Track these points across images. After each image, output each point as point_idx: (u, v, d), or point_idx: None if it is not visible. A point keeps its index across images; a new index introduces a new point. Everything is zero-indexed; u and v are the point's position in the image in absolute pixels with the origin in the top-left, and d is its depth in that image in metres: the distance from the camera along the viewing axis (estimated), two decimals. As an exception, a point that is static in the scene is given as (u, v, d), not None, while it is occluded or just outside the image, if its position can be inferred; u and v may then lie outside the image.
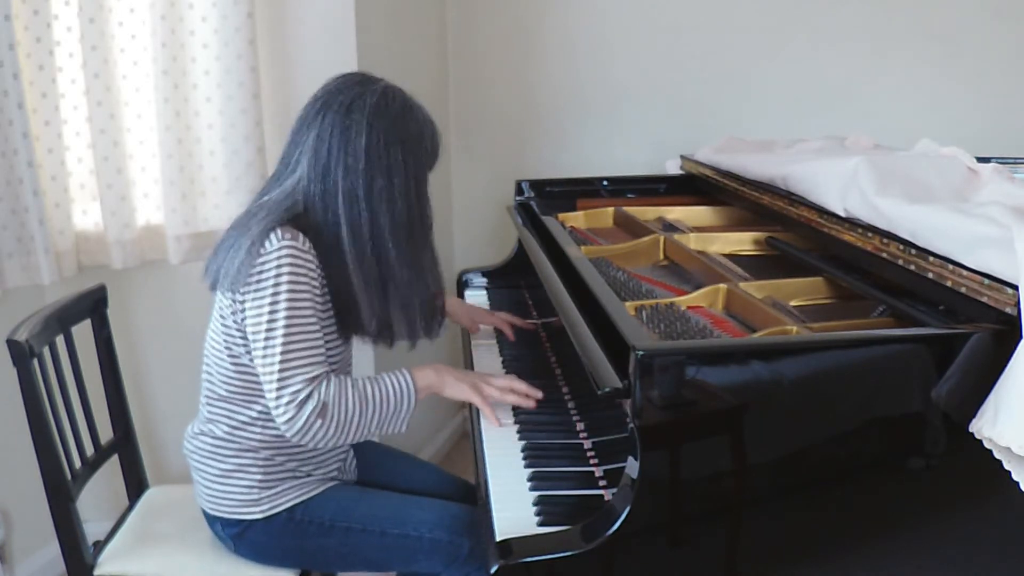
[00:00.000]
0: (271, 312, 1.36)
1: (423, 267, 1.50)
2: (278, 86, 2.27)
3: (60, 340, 1.66)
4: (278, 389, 1.36)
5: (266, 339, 1.36)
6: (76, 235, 2.15)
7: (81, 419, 1.69)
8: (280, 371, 1.36)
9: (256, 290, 1.37)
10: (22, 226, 1.98)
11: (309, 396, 1.36)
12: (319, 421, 1.37)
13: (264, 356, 1.37)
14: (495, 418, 1.51)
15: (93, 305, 1.77)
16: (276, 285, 1.36)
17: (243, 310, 1.40)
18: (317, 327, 1.40)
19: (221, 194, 2.24)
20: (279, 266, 1.35)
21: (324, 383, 1.38)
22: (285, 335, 1.36)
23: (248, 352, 1.45)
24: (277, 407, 1.37)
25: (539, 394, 1.52)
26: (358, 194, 1.41)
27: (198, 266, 2.22)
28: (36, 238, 1.99)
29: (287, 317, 1.36)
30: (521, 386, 1.52)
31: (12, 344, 1.49)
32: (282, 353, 1.36)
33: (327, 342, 1.45)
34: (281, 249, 1.35)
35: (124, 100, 2.15)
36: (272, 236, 1.36)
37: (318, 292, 1.42)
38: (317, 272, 1.41)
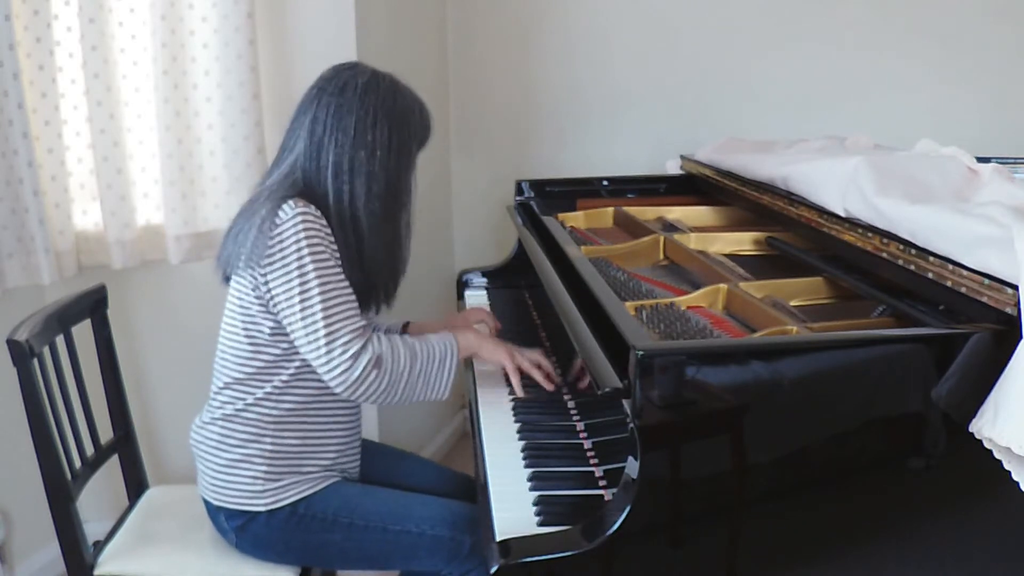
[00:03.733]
0: (300, 275, 1.40)
1: (392, 240, 1.54)
2: (278, 86, 2.27)
3: (60, 340, 1.66)
4: (327, 345, 1.40)
5: (302, 303, 1.40)
6: (76, 235, 2.15)
7: (81, 419, 1.69)
8: (327, 328, 1.40)
9: (280, 260, 1.41)
10: (22, 226, 1.98)
11: (363, 347, 1.42)
12: (374, 372, 1.42)
13: (304, 319, 1.40)
14: (521, 387, 1.58)
15: (93, 305, 1.77)
16: (299, 250, 1.40)
17: (267, 284, 1.43)
18: (347, 283, 1.45)
19: (221, 194, 2.24)
20: (296, 232, 1.40)
21: (375, 337, 1.44)
22: (322, 293, 1.40)
23: (266, 330, 1.47)
24: (331, 363, 1.40)
25: (557, 380, 1.62)
26: (343, 166, 1.47)
27: (198, 266, 2.26)
28: (36, 238, 1.99)
29: (318, 275, 1.40)
30: (547, 365, 1.61)
31: (12, 344, 1.49)
32: (323, 311, 1.40)
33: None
34: (295, 216, 1.40)
35: (124, 100, 2.15)
36: (284, 207, 1.41)
37: (336, 255, 1.46)
38: (331, 237, 1.45)
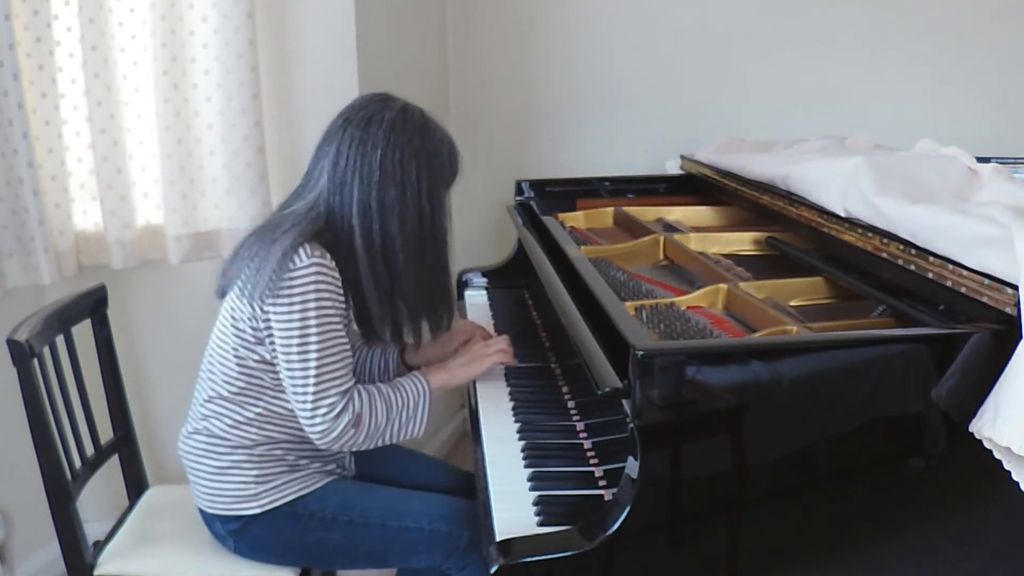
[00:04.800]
0: (302, 329, 1.39)
1: (432, 281, 1.54)
2: (278, 86, 2.27)
3: (60, 340, 1.66)
4: (314, 404, 1.41)
5: (300, 356, 1.40)
6: (76, 235, 2.15)
7: (81, 419, 1.69)
8: (316, 387, 1.40)
9: (286, 305, 1.39)
10: (22, 226, 1.98)
11: (344, 408, 1.42)
12: (352, 430, 1.44)
13: (296, 373, 1.41)
14: (512, 358, 1.64)
15: (93, 305, 1.77)
16: (305, 302, 1.39)
17: (267, 321, 1.42)
18: (346, 341, 1.45)
19: (221, 194, 2.23)
20: (306, 283, 1.38)
21: (355, 394, 1.44)
22: (319, 352, 1.40)
23: (255, 356, 1.47)
24: (313, 419, 1.42)
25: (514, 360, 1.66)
26: (371, 205, 1.44)
27: (198, 266, 2.26)
28: (36, 238, 1.99)
29: (319, 334, 1.40)
30: (507, 346, 1.65)
31: (12, 344, 1.49)
32: (316, 369, 1.40)
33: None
34: (310, 266, 1.38)
35: (124, 100, 2.15)
36: (302, 251, 1.38)
37: (342, 308, 1.45)
38: (341, 289, 1.44)
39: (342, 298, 1.44)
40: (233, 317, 1.48)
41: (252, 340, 1.46)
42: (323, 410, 1.41)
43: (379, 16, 2.39)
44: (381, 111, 1.46)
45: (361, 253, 1.45)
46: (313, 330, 1.39)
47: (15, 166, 1.94)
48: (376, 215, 1.44)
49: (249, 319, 1.45)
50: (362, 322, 1.55)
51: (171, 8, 2.10)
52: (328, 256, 1.41)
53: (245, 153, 2.19)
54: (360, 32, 2.25)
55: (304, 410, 1.42)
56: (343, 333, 1.44)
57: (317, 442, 1.45)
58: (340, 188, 1.45)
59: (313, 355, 1.40)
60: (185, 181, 2.19)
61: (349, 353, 1.45)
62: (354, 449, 1.48)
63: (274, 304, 1.40)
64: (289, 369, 1.41)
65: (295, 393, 1.42)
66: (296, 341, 1.39)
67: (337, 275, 1.42)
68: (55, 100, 2.05)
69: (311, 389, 1.40)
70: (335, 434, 1.42)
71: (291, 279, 1.38)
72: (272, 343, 1.43)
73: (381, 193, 1.44)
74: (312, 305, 1.39)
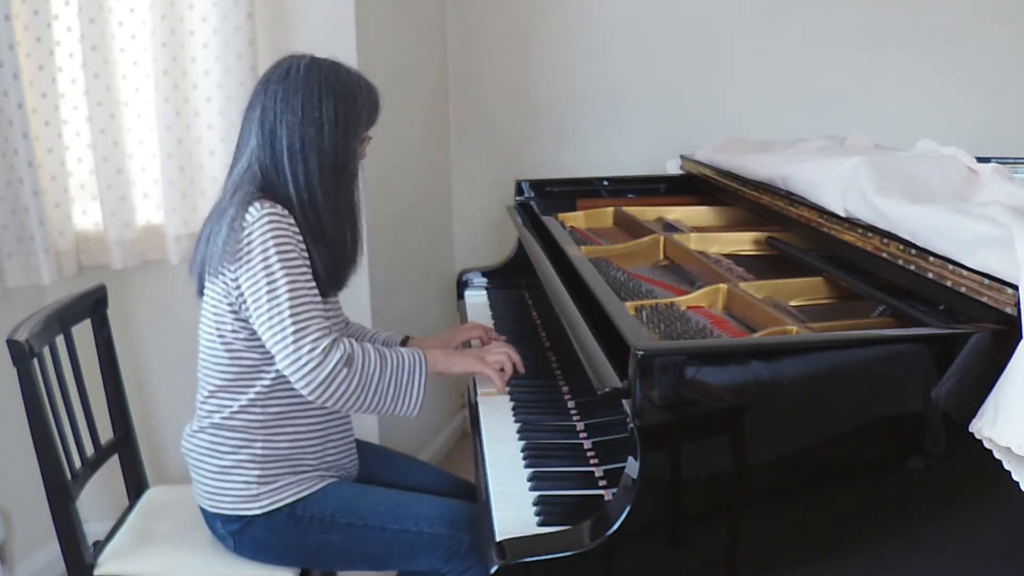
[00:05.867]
0: (267, 274, 1.39)
1: (346, 214, 1.54)
2: (278, 86, 2.27)
3: (60, 340, 1.66)
4: (296, 343, 1.38)
5: (270, 301, 1.39)
6: (76, 235, 2.16)
7: (81, 419, 1.69)
8: (294, 325, 1.38)
9: (247, 260, 1.40)
10: (22, 226, 1.98)
11: (333, 344, 1.40)
12: (344, 370, 1.39)
13: (272, 318, 1.39)
14: (502, 385, 1.58)
15: (93, 305, 1.77)
16: (265, 250, 1.40)
17: (237, 285, 1.43)
18: (314, 284, 1.45)
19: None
20: (263, 232, 1.40)
21: (343, 339, 1.42)
22: (289, 290, 1.39)
23: (241, 335, 1.47)
24: (298, 360, 1.37)
25: (522, 369, 1.63)
26: (295, 146, 1.47)
27: (198, 266, 2.26)
28: (36, 238, 1.99)
29: (285, 273, 1.40)
30: (515, 355, 1.62)
31: (12, 344, 1.49)
32: (291, 308, 1.39)
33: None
34: (262, 216, 1.41)
35: (124, 100, 2.16)
36: (251, 208, 1.41)
37: (304, 255, 1.45)
38: (299, 235, 1.45)
39: (302, 244, 1.45)
40: (213, 304, 1.49)
41: (232, 319, 1.47)
42: (307, 347, 1.37)
43: (379, 16, 2.39)
44: (296, 61, 1.50)
45: (294, 197, 1.47)
46: (279, 273, 1.39)
47: (15, 166, 1.94)
48: (300, 154, 1.47)
49: (224, 296, 1.46)
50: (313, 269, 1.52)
51: (171, 8, 2.10)
52: (279, 207, 1.43)
53: (245, 153, 2.19)
54: (360, 32, 2.25)
55: (287, 355, 1.37)
56: (309, 276, 1.44)
57: (308, 389, 1.38)
58: (271, 140, 1.48)
59: (284, 297, 1.39)
60: (185, 181, 2.20)
61: (319, 297, 1.44)
62: (350, 404, 1.42)
63: (238, 263, 1.41)
64: (265, 319, 1.39)
65: (276, 342, 1.39)
66: (265, 289, 1.39)
67: (292, 222, 1.44)
68: (55, 100, 2.05)
69: (290, 331, 1.38)
70: (326, 372, 1.37)
71: (248, 234, 1.40)
72: (246, 306, 1.43)
73: (303, 131, 1.47)
74: (272, 251, 1.40)
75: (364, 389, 1.42)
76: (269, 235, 1.40)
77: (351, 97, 1.52)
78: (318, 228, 1.49)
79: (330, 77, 1.50)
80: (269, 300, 1.39)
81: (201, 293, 1.53)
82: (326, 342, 1.39)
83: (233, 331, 1.48)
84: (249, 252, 1.40)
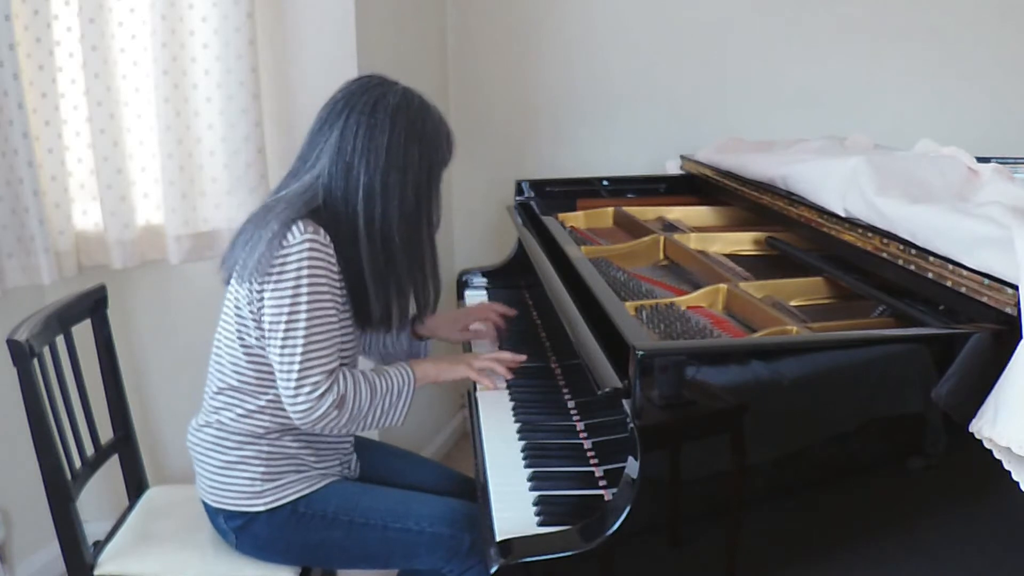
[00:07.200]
0: (292, 306, 1.40)
1: (423, 260, 1.55)
2: (278, 86, 2.27)
3: (60, 340, 1.66)
4: (297, 382, 1.41)
5: (286, 332, 1.40)
6: (76, 235, 2.15)
7: (81, 419, 1.69)
8: (301, 364, 1.40)
9: (277, 281, 1.40)
10: (22, 226, 1.98)
11: (329, 388, 1.42)
12: (335, 411, 1.44)
13: (283, 349, 1.41)
14: (492, 382, 1.63)
15: (93, 305, 1.77)
16: (297, 279, 1.39)
17: (261, 299, 1.43)
18: (336, 321, 1.45)
19: (221, 194, 2.23)
20: (300, 259, 1.39)
21: (340, 376, 1.45)
22: (307, 329, 1.40)
23: (261, 341, 1.47)
24: (296, 398, 1.42)
25: (522, 357, 1.66)
26: (375, 188, 1.46)
27: (198, 266, 2.26)
28: (36, 238, 1.99)
29: (308, 311, 1.40)
30: (506, 355, 1.66)
31: (12, 344, 1.49)
32: (303, 347, 1.40)
33: (343, 334, 1.50)
34: (303, 242, 1.39)
35: (124, 100, 2.15)
36: (295, 228, 1.40)
37: (336, 286, 1.46)
38: (336, 266, 1.45)
39: (336, 275, 1.45)
40: (236, 305, 1.49)
41: (253, 324, 1.47)
42: (307, 389, 1.41)
43: (379, 16, 2.39)
44: (384, 96, 1.47)
45: (363, 236, 1.46)
46: (303, 307, 1.40)
47: (15, 166, 1.94)
48: (379, 198, 1.46)
49: (248, 303, 1.46)
50: (355, 303, 1.53)
51: (171, 8, 2.10)
52: (322, 232, 1.42)
53: (245, 153, 2.19)
54: (360, 33, 2.25)
55: (287, 388, 1.42)
56: (333, 313, 1.44)
57: (298, 422, 1.44)
58: (346, 173, 1.45)
59: (301, 333, 1.40)
60: (185, 181, 2.19)
61: (337, 335, 1.45)
62: (336, 431, 1.48)
63: (268, 281, 1.41)
64: (277, 346, 1.41)
65: (280, 370, 1.42)
66: (285, 317, 1.40)
67: (332, 252, 1.43)
68: (55, 100, 2.05)
69: (296, 368, 1.40)
70: (317, 414, 1.42)
71: (285, 255, 1.39)
72: (263, 322, 1.43)
73: (385, 176, 1.45)
74: (305, 281, 1.39)
75: (352, 421, 1.48)
76: (305, 262, 1.39)
77: (436, 146, 1.51)
78: (387, 270, 1.49)
79: (417, 122, 1.47)
80: (285, 333, 1.40)
81: (228, 282, 1.53)
82: (324, 387, 1.42)
83: (253, 336, 1.48)
84: (281, 274, 1.40)
